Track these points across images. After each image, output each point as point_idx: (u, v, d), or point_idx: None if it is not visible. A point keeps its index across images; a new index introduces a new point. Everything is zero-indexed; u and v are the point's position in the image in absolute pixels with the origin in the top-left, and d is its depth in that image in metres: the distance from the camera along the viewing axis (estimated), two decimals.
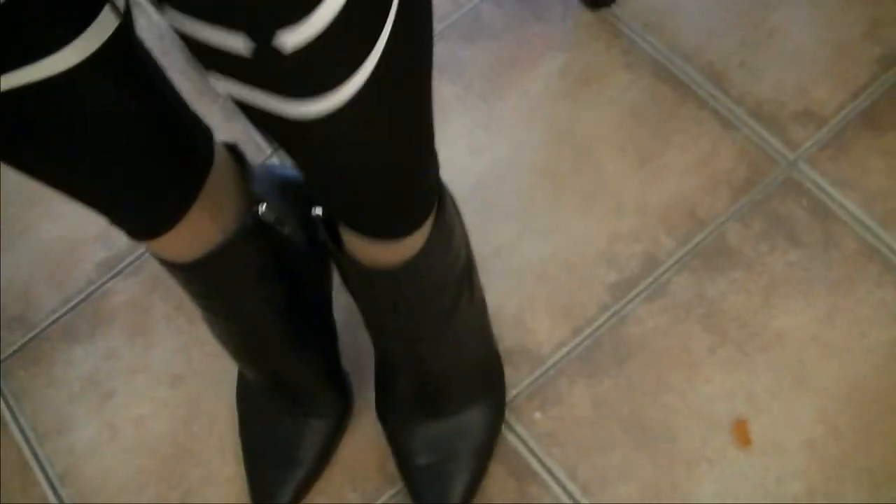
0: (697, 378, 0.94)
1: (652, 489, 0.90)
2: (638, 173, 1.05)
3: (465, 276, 0.85)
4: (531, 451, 0.93)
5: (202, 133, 0.74)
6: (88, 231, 1.12)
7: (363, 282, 0.79)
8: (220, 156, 0.76)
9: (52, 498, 0.99)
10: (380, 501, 0.94)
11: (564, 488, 0.91)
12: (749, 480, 0.89)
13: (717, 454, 0.91)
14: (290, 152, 0.62)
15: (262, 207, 0.76)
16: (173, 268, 0.76)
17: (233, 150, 0.80)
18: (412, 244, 0.75)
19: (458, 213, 0.83)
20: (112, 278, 1.09)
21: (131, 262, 1.09)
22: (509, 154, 1.08)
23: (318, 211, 0.78)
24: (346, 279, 0.82)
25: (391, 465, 0.94)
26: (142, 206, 0.70)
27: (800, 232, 0.99)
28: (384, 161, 0.64)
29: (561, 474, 0.92)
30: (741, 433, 0.91)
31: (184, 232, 0.72)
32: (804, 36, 1.10)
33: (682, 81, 1.09)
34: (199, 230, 0.74)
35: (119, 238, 1.11)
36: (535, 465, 0.93)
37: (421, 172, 0.70)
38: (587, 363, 0.96)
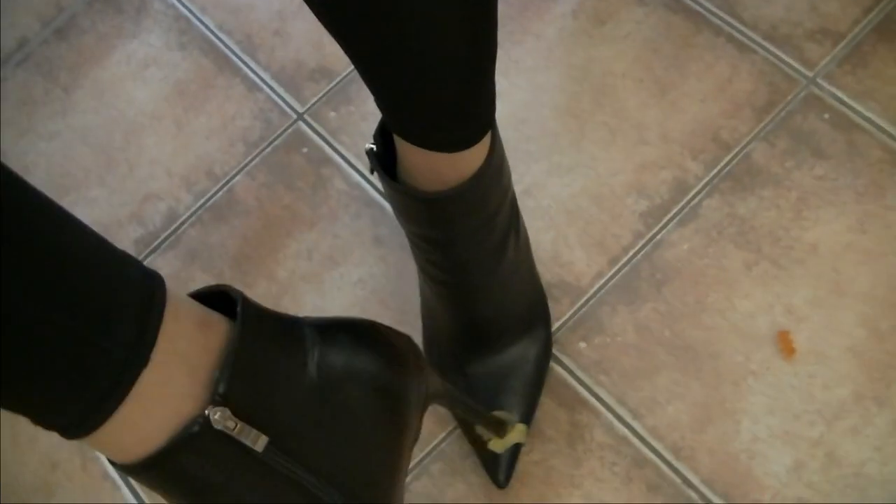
0: (736, 295, 0.95)
1: (701, 407, 0.92)
2: (659, 104, 1.06)
3: (514, 212, 0.85)
4: (579, 380, 0.95)
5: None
6: (122, 212, 1.14)
7: (420, 208, 0.77)
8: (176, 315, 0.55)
9: (112, 472, 1.01)
10: (433, 443, 0.96)
11: (615, 413, 0.93)
12: (796, 390, 0.91)
13: (761, 367, 0.92)
14: (357, 31, 0.60)
15: (216, 412, 0.53)
16: (117, 467, 0.56)
17: (219, 295, 0.60)
18: (471, 162, 0.74)
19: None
20: (150, 254, 1.11)
21: (167, 237, 1.11)
22: (530, 97, 1.10)
23: (370, 144, 0.77)
24: (400, 211, 0.80)
25: (442, 409, 0.96)
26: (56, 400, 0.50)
27: (824, 145, 1.00)
28: (456, 43, 0.64)
29: (610, 401, 0.93)
30: (786, 344, 0.92)
31: (119, 428, 0.52)
32: None
33: (694, 10, 1.10)
34: (138, 427, 0.53)
35: (154, 215, 1.13)
36: (585, 394, 0.94)
37: (488, 70, 0.70)
38: (626, 291, 0.98)
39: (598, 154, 1.05)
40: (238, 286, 1.04)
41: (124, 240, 1.12)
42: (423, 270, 0.87)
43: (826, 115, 1.01)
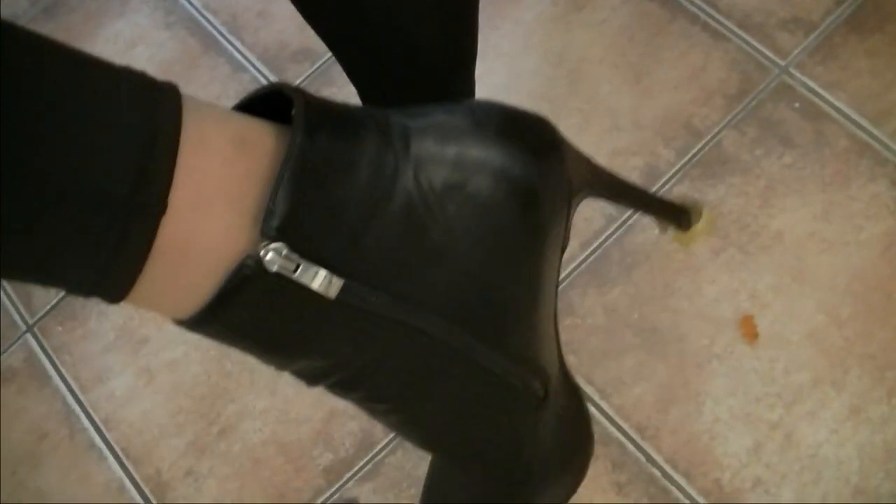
0: (702, 280, 0.98)
1: (665, 388, 0.95)
2: (633, 90, 1.08)
3: None
4: None
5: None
6: None
7: None
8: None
9: (99, 442, 1.04)
10: None
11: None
12: (757, 373, 0.94)
13: (725, 351, 0.95)
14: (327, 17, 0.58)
15: (269, 251, 0.44)
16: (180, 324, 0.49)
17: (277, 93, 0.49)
18: None
19: None
20: None
21: None
22: (507, 81, 1.12)
23: None
24: None
25: None
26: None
27: (793, 134, 1.03)
28: (438, 22, 0.63)
29: (578, 380, 0.96)
30: (749, 328, 0.95)
31: (159, 283, 0.44)
32: None
33: None
34: (181, 279, 0.45)
35: None
36: None
37: (469, 56, 0.69)
38: (596, 274, 1.01)
39: (572, 139, 1.07)
40: None
41: None
42: None
43: (796, 105, 1.04)
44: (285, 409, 1.01)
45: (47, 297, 1.12)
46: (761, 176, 1.01)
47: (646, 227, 1.01)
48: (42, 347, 1.10)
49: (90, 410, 1.06)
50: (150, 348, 1.07)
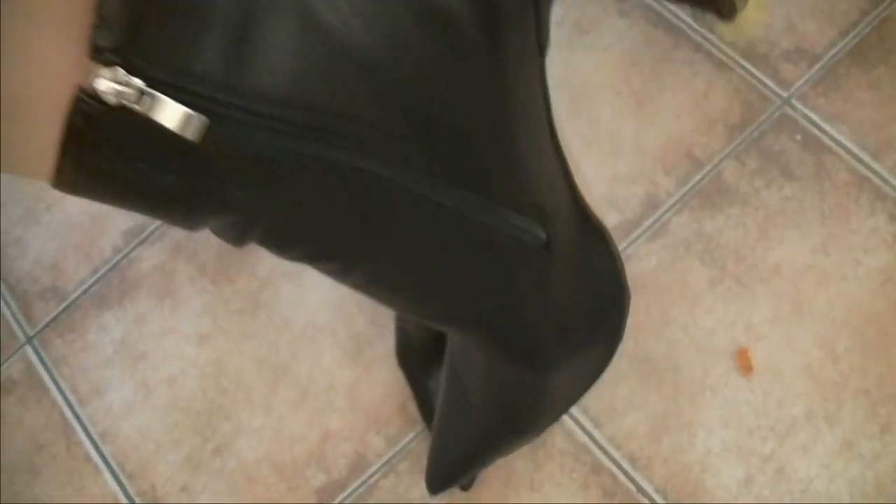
0: (698, 311, 0.98)
1: (659, 418, 0.95)
2: (635, 116, 1.09)
3: None
4: None
5: None
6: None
7: None
8: None
9: (95, 456, 1.05)
10: (403, 442, 0.99)
11: (576, 421, 0.96)
12: (751, 405, 0.94)
13: (719, 382, 0.95)
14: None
15: (100, 78, 0.34)
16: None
17: None
18: None
19: None
20: (137, 246, 1.14)
21: (155, 230, 1.14)
22: None
23: None
24: None
25: (412, 408, 0.99)
26: None
27: (794, 166, 1.03)
28: None
29: (573, 409, 0.97)
30: (744, 360, 0.95)
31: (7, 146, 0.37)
32: None
33: (675, 25, 1.13)
34: (28, 137, 0.37)
35: None
36: None
37: None
38: None
39: (572, 164, 1.07)
40: (220, 281, 1.08)
41: (112, 230, 1.15)
42: None
43: (798, 137, 1.04)
44: (280, 428, 1.01)
45: (47, 308, 1.12)
46: (760, 207, 1.01)
47: (643, 256, 1.01)
48: (41, 359, 1.10)
49: (87, 424, 1.06)
50: (148, 363, 1.08)
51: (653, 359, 0.97)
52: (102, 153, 0.36)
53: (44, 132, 0.35)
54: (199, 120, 0.35)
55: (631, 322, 0.98)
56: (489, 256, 0.45)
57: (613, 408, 0.96)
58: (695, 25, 1.12)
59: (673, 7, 1.13)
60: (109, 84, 0.33)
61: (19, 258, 1.16)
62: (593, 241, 0.52)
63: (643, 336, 0.98)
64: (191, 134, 0.35)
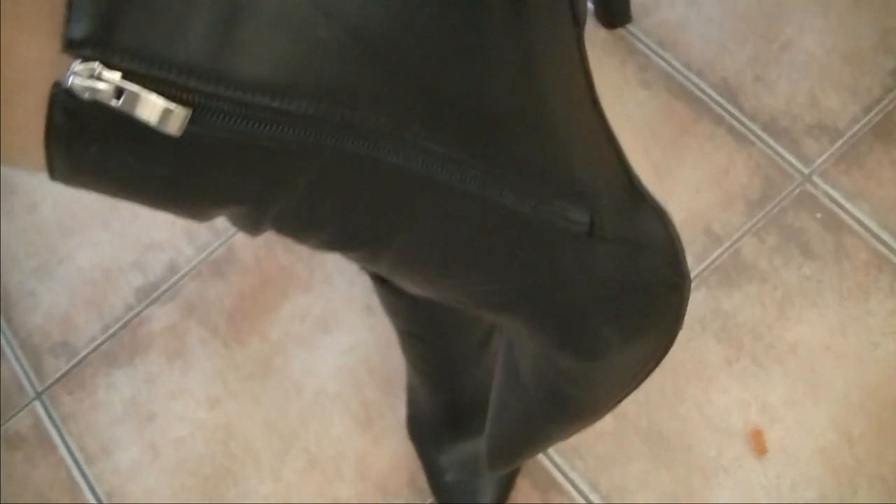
0: (714, 390, 0.97)
1: (670, 497, 0.93)
2: (654, 190, 1.07)
3: None
4: (555, 464, 0.97)
5: None
6: (125, 259, 1.17)
7: (406, 305, 0.77)
8: None
9: None
10: None
11: (587, 499, 0.95)
12: (764, 488, 0.92)
13: (732, 463, 0.94)
14: None
15: (72, 73, 0.33)
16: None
17: None
18: None
19: None
20: (149, 305, 1.13)
21: (167, 289, 1.14)
22: None
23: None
24: (388, 306, 0.80)
25: (422, 480, 0.98)
26: None
27: (814, 245, 1.02)
28: None
29: (583, 486, 0.95)
30: (758, 442, 0.94)
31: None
32: (816, 48, 1.13)
33: (696, 97, 1.12)
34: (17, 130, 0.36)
35: (155, 265, 1.15)
36: (559, 478, 0.96)
37: None
38: None
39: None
40: (231, 344, 1.07)
41: (124, 286, 1.14)
42: (408, 360, 0.89)
43: (818, 214, 1.03)
44: (288, 496, 1.00)
45: (57, 364, 1.12)
46: (779, 286, 1.00)
47: None
48: (49, 415, 1.10)
49: (94, 483, 1.05)
50: (157, 425, 1.07)
51: (666, 437, 0.96)
52: (89, 147, 0.35)
53: (33, 125, 0.34)
54: (181, 113, 0.33)
55: (644, 399, 0.97)
56: (526, 243, 0.43)
57: (625, 486, 0.95)
58: (717, 97, 1.11)
59: (695, 79, 1.13)
60: (81, 80, 0.32)
61: (31, 311, 1.15)
62: (649, 221, 0.49)
63: (657, 413, 0.97)
64: (173, 128, 0.34)
